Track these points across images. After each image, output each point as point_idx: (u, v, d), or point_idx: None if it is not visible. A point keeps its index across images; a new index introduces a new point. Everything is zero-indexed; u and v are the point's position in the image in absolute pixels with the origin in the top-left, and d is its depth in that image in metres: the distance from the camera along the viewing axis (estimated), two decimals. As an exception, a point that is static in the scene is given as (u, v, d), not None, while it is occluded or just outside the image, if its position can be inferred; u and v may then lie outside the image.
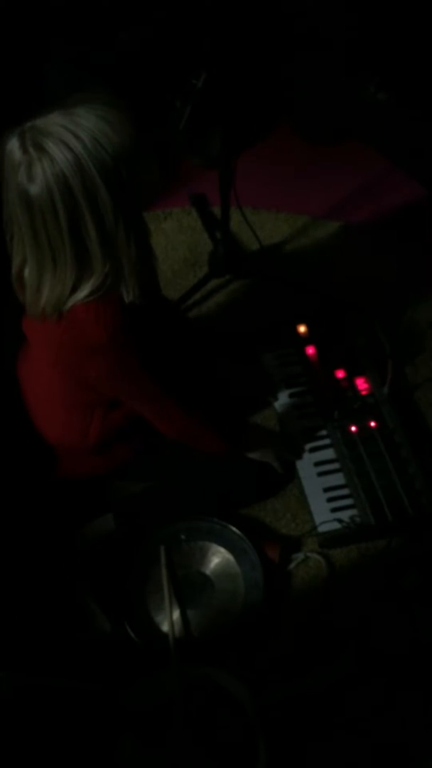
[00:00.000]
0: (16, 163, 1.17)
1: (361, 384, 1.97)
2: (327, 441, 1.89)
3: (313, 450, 1.88)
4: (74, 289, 1.28)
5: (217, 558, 1.75)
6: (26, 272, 1.30)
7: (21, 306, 1.39)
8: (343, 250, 2.44)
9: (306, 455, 1.87)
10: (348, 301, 2.23)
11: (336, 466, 1.85)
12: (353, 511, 1.77)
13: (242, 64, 1.86)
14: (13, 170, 1.17)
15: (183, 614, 1.69)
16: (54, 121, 1.16)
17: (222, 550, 1.76)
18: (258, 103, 2.74)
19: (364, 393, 1.96)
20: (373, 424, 1.89)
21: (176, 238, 2.47)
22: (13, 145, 1.17)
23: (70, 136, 1.14)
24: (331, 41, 2.61)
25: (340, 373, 1.99)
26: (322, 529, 1.76)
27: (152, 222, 2.46)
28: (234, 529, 1.75)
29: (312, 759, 1.53)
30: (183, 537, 1.77)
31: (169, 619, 1.66)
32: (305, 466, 1.86)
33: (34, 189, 1.16)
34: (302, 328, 2.11)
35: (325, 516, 1.77)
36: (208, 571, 1.75)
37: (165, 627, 1.66)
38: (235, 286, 2.33)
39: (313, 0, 2.62)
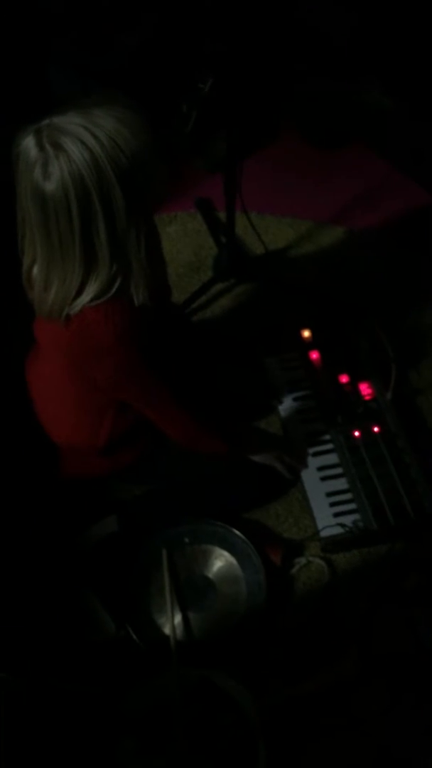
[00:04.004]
0: (31, 160, 1.16)
1: (365, 389, 1.97)
2: (330, 446, 1.90)
3: (316, 454, 1.89)
4: (80, 290, 1.28)
5: (220, 561, 1.76)
6: (35, 270, 1.31)
7: (31, 308, 1.39)
8: (347, 254, 2.44)
9: (309, 460, 1.88)
10: (352, 306, 2.23)
11: (339, 470, 1.85)
12: (356, 516, 1.77)
13: (248, 69, 1.86)
14: (28, 168, 1.17)
15: (185, 617, 1.69)
16: (72, 120, 1.15)
17: (225, 553, 1.76)
18: (263, 108, 2.74)
19: (367, 398, 1.96)
20: (376, 429, 1.89)
21: (181, 241, 2.48)
22: (29, 142, 1.16)
23: (88, 136, 1.14)
24: (336, 45, 2.62)
25: (344, 378, 2.00)
26: (324, 533, 1.76)
27: (157, 225, 2.46)
28: (237, 532, 1.76)
29: (312, 762, 1.53)
30: (186, 540, 1.77)
31: (171, 622, 1.66)
32: (308, 470, 1.86)
33: (50, 187, 1.16)
34: (306, 333, 2.11)
35: (327, 520, 1.78)
36: (210, 575, 1.75)
37: (167, 629, 1.66)
38: (240, 290, 2.34)
39: (320, 4, 2.63)
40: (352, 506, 1.79)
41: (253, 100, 2.56)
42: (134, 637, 1.64)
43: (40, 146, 1.16)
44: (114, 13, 2.45)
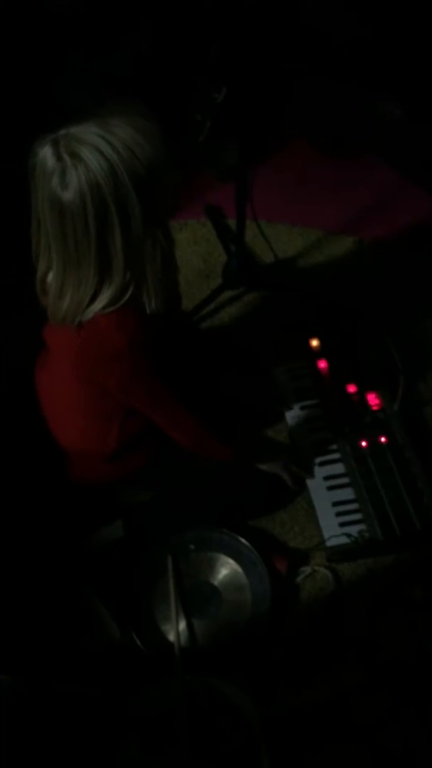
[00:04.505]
0: (49, 170, 1.18)
1: (372, 399, 1.98)
2: (337, 455, 1.90)
3: (322, 464, 1.89)
4: (94, 297, 1.29)
5: (226, 569, 1.76)
6: (50, 277, 1.31)
7: (42, 313, 1.40)
8: (357, 264, 2.45)
9: (315, 469, 1.88)
10: (360, 316, 2.24)
11: (345, 480, 1.86)
12: (362, 526, 1.78)
13: (261, 78, 1.88)
14: (45, 177, 1.19)
15: (189, 624, 1.69)
16: (89, 130, 1.17)
17: (230, 561, 1.76)
18: (271, 115, 2.75)
19: (375, 408, 1.96)
20: (383, 439, 1.89)
21: (190, 249, 2.49)
22: (47, 152, 1.18)
23: (105, 145, 1.15)
24: (348, 56, 2.63)
25: (352, 388, 2.00)
26: (330, 543, 1.76)
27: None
28: (243, 540, 1.76)
29: (315, 771, 1.53)
30: (192, 546, 1.78)
31: (175, 628, 1.66)
32: (314, 480, 1.87)
33: (67, 195, 1.18)
34: (314, 342, 2.12)
35: (333, 530, 1.78)
36: (216, 582, 1.75)
37: (171, 636, 1.67)
38: (249, 298, 2.35)
39: (332, 14, 2.64)
40: (358, 516, 1.79)
41: (262, 107, 2.57)
42: (138, 642, 1.64)
43: (58, 156, 1.17)
44: (124, 20, 2.46)
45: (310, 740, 1.55)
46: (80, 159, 1.16)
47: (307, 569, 1.78)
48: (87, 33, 2.45)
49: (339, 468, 1.88)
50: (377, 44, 2.60)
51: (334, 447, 1.91)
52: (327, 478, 1.86)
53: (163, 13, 2.49)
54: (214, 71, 1.72)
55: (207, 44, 2.03)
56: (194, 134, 1.73)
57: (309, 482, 1.86)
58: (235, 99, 1.74)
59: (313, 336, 2.13)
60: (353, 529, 1.77)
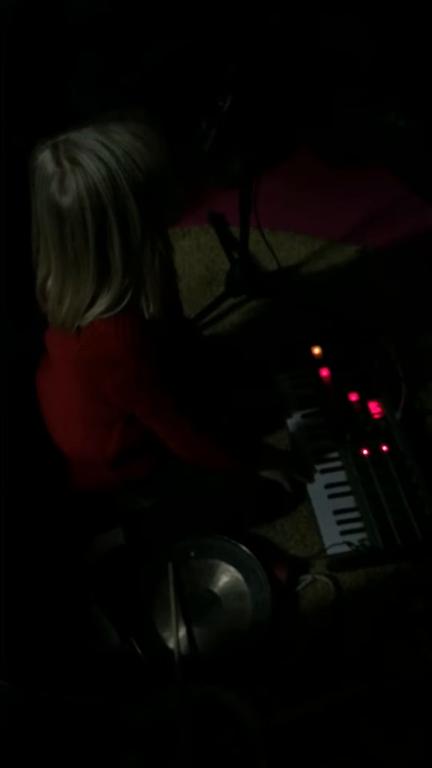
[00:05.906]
0: (48, 175, 1.18)
1: (374, 408, 1.98)
2: (338, 463, 1.90)
3: (324, 472, 1.89)
4: (93, 302, 1.29)
5: (226, 577, 1.76)
6: (50, 283, 1.32)
7: (43, 319, 1.40)
8: (360, 273, 2.45)
9: (317, 477, 1.88)
10: (363, 325, 2.24)
11: (346, 488, 1.85)
12: (363, 535, 1.77)
13: (268, 88, 1.87)
14: (44, 182, 1.19)
15: (189, 631, 1.69)
16: (89, 136, 1.17)
17: (231, 568, 1.76)
18: (280, 126, 2.76)
19: (376, 417, 1.96)
20: (384, 448, 1.89)
21: (193, 256, 2.49)
22: (46, 157, 1.18)
23: (104, 151, 1.16)
24: (354, 66, 2.64)
25: (354, 396, 2.00)
26: (330, 551, 1.76)
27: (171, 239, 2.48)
28: (244, 548, 1.76)
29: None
30: (192, 554, 1.77)
31: (176, 636, 1.66)
32: (316, 487, 1.86)
33: (66, 201, 1.18)
34: (317, 350, 2.12)
35: (334, 538, 1.77)
36: (216, 590, 1.75)
37: (171, 643, 1.66)
38: (251, 305, 2.35)
39: (338, 25, 2.65)
40: (359, 525, 1.79)
41: (271, 117, 2.58)
42: (138, 649, 1.64)
43: (57, 161, 1.18)
44: (140, 31, 2.46)
45: (310, 752, 1.54)
46: (79, 165, 1.16)
47: (308, 577, 1.78)
48: (102, 40, 2.46)
49: (340, 476, 1.88)
50: (384, 55, 2.60)
51: (336, 455, 1.91)
52: (328, 486, 1.86)
53: (183, 27, 2.50)
54: (225, 85, 1.72)
55: (224, 61, 2.03)
56: (199, 142, 1.73)
57: (310, 490, 1.86)
58: (240, 108, 1.74)
59: (316, 344, 2.13)
60: (354, 538, 1.77)
